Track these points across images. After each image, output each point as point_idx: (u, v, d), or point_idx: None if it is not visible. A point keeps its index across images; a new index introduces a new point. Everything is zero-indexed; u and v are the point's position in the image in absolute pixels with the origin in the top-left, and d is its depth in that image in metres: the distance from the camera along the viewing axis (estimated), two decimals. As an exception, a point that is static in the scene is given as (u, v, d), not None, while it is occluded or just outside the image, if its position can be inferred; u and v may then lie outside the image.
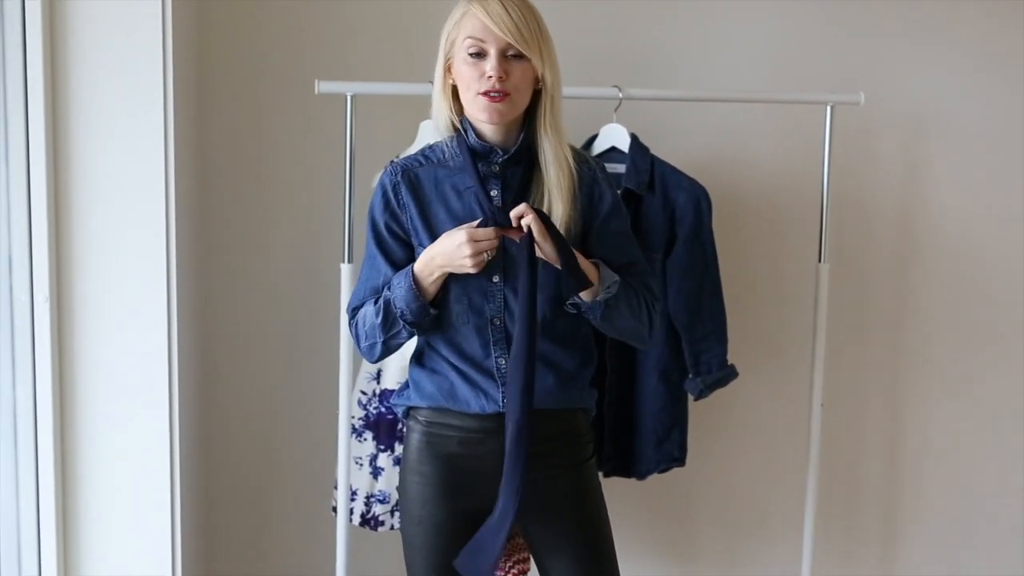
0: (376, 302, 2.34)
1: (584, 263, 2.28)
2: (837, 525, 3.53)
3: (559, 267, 2.24)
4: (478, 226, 2.25)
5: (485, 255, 2.23)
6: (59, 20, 2.61)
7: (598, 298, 2.29)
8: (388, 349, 2.38)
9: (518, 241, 2.24)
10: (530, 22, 2.23)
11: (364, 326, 2.37)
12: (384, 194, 2.37)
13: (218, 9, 3.18)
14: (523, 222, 2.22)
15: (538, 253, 2.24)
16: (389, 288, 2.32)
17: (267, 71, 3.23)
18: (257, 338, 3.32)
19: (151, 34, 2.65)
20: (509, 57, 2.23)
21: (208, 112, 3.20)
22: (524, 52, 2.22)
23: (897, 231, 3.47)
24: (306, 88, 2.81)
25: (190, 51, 3.01)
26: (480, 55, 2.22)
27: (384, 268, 2.37)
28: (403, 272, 2.31)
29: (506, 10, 2.21)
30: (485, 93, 2.23)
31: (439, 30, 2.31)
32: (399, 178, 2.36)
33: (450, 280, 2.31)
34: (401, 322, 2.30)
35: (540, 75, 2.26)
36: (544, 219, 2.24)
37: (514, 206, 2.25)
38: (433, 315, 2.31)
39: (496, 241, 2.24)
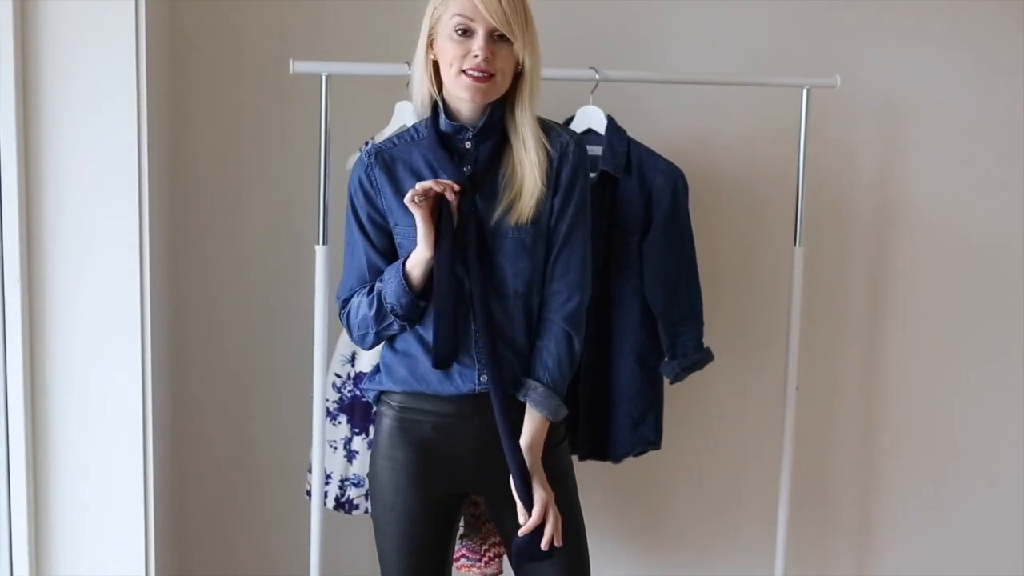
0: (369, 293, 2.34)
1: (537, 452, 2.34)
2: (811, 508, 3.54)
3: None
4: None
5: (416, 200, 2.22)
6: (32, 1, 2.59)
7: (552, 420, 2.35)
8: (380, 339, 2.39)
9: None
10: (517, 7, 2.23)
11: (356, 317, 2.37)
12: (359, 180, 2.37)
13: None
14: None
15: None
16: (381, 280, 2.33)
17: (242, 50, 3.20)
18: (231, 321, 3.30)
19: (123, 13, 2.63)
20: (496, 39, 2.22)
21: (181, 92, 3.17)
22: (509, 37, 2.21)
23: (873, 215, 3.47)
24: (281, 68, 2.78)
25: (163, 30, 2.98)
26: (467, 33, 2.21)
27: (365, 255, 2.36)
28: (395, 266, 2.31)
29: None
30: (468, 72, 2.21)
31: (414, 10, 2.31)
32: (372, 160, 2.35)
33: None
34: (392, 319, 2.31)
35: (520, 60, 2.26)
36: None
37: (490, 173, 2.30)
38: (424, 307, 2.31)
39: (438, 189, 2.22)
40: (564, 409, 2.34)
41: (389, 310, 2.29)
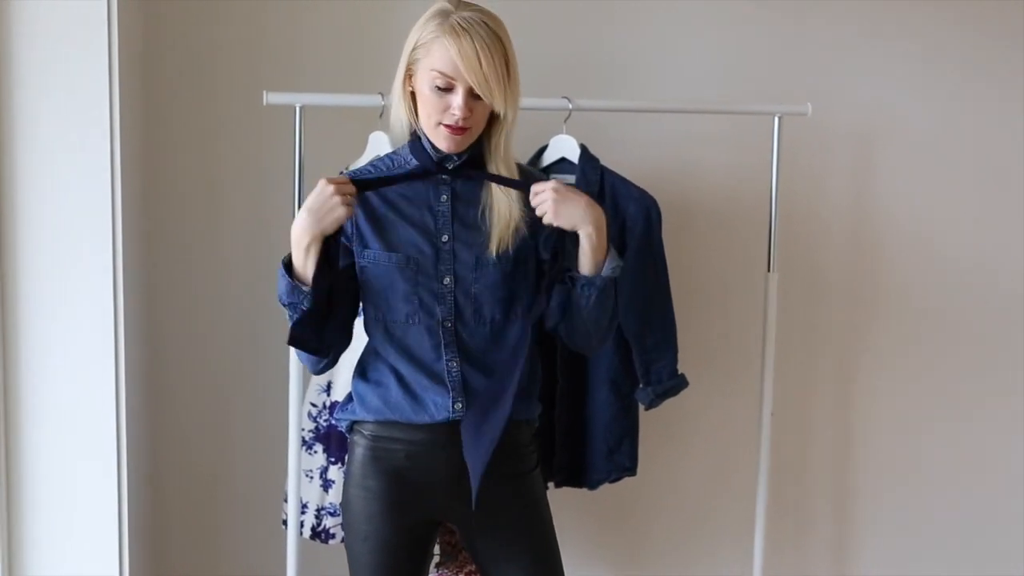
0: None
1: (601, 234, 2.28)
2: (788, 533, 3.55)
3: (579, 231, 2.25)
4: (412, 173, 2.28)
5: (350, 199, 2.21)
6: (4, 27, 2.60)
7: (604, 273, 2.27)
8: (302, 331, 2.27)
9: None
10: (499, 66, 2.18)
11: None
12: None
13: (166, 18, 3.17)
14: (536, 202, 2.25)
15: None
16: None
17: (216, 81, 3.22)
18: (206, 351, 3.30)
19: (97, 44, 2.64)
20: (474, 96, 2.21)
21: (156, 123, 3.18)
22: (487, 100, 2.20)
23: (846, 240, 3.49)
24: (255, 99, 2.79)
25: (137, 60, 3.00)
26: (447, 89, 2.20)
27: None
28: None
29: (477, 52, 2.16)
30: (447, 125, 2.22)
31: (388, 41, 2.32)
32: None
33: (400, 280, 2.30)
34: (288, 313, 2.26)
35: (500, 112, 2.24)
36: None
37: (469, 207, 2.30)
38: (309, 292, 2.23)
39: (351, 186, 2.22)
40: (619, 270, 2.29)
41: (277, 297, 2.26)
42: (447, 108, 2.20)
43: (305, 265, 2.22)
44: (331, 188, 2.18)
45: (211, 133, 3.24)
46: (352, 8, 3.23)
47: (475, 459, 2.27)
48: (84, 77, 2.64)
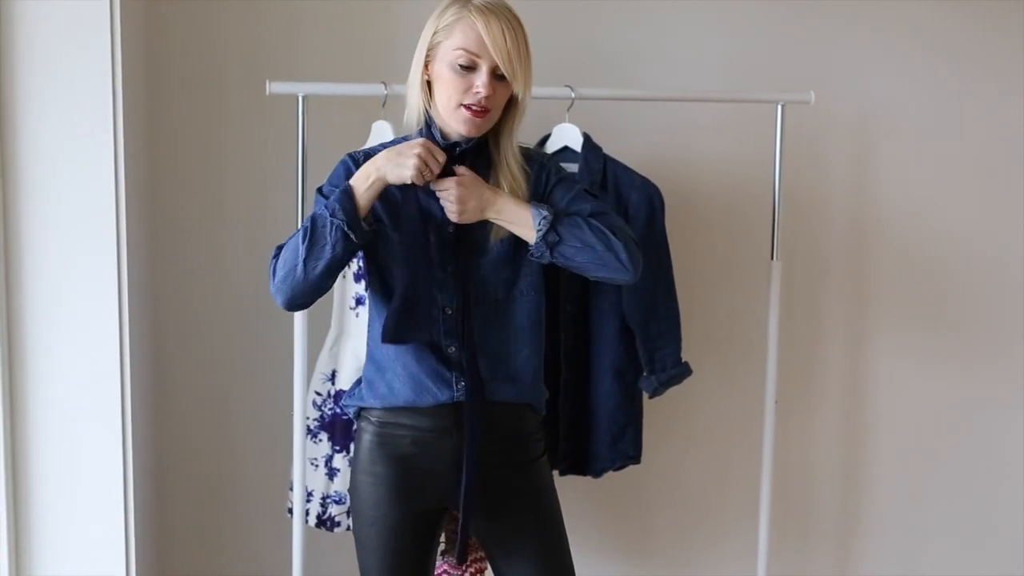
0: (303, 224, 2.27)
1: (513, 203, 2.29)
2: (792, 521, 3.56)
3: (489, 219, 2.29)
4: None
5: (427, 173, 2.24)
6: (5, 20, 2.59)
7: (537, 232, 2.27)
8: (306, 279, 2.24)
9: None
10: (521, 46, 2.23)
11: (285, 253, 2.27)
12: (347, 170, 2.34)
13: (169, 9, 3.17)
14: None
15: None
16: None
17: (220, 71, 3.22)
18: (211, 340, 3.31)
19: (99, 35, 2.64)
20: (497, 76, 2.23)
21: (159, 113, 3.18)
22: (509, 77, 2.22)
23: (850, 227, 3.49)
24: (258, 88, 2.80)
25: (140, 51, 2.99)
26: (470, 68, 2.22)
27: None
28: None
29: (503, 31, 2.20)
30: (469, 107, 2.23)
31: (391, 31, 2.32)
32: (361, 160, 2.34)
33: (400, 267, 2.30)
34: (331, 227, 2.20)
35: (517, 95, 2.27)
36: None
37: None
38: (364, 231, 2.24)
39: (440, 163, 2.25)
40: (545, 224, 2.27)
41: (330, 214, 2.20)
42: (470, 88, 2.22)
43: (364, 200, 2.24)
44: (418, 149, 2.22)
45: (215, 123, 3.24)
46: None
47: (472, 441, 2.30)
48: (86, 70, 2.64)
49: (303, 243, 2.22)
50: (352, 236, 2.22)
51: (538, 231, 2.27)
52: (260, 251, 3.22)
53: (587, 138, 2.95)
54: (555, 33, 3.28)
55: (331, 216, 2.21)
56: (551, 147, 2.98)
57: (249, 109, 3.20)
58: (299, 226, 2.80)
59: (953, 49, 3.46)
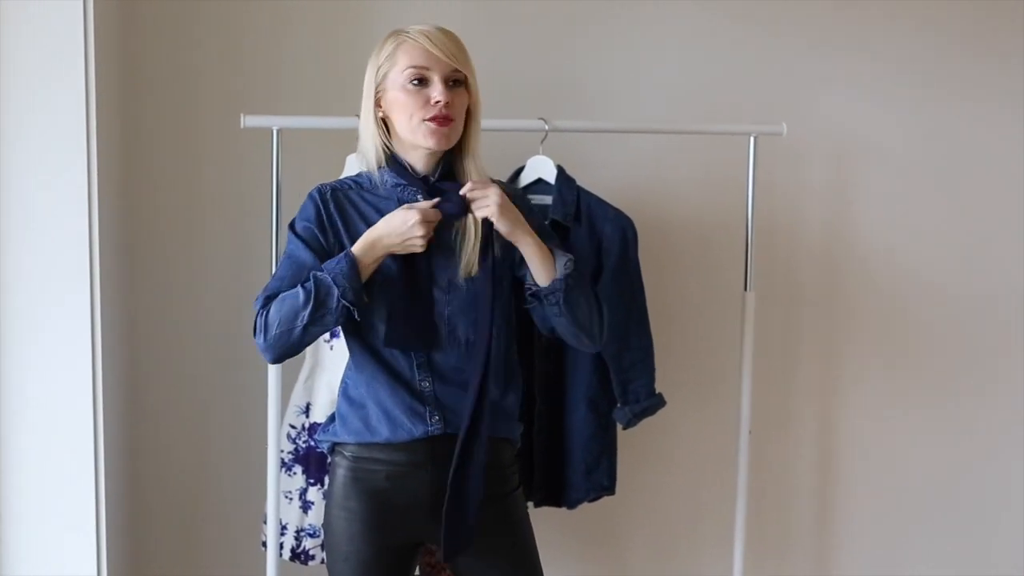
0: (303, 285, 2.24)
1: (537, 242, 2.29)
2: (768, 551, 3.56)
3: (517, 243, 2.28)
4: (433, 207, 2.25)
5: (430, 236, 2.24)
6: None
7: (558, 276, 2.28)
8: (302, 341, 2.27)
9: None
10: (462, 46, 2.28)
11: (281, 311, 2.25)
12: (315, 205, 2.34)
13: (145, 42, 3.18)
14: (477, 203, 2.26)
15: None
16: (320, 272, 2.25)
17: (194, 105, 3.23)
18: (185, 373, 3.30)
19: (74, 70, 2.65)
20: (451, 85, 2.25)
21: (135, 146, 3.19)
22: (464, 74, 2.25)
23: (824, 258, 3.52)
24: (233, 121, 2.80)
25: (116, 83, 3.00)
26: (423, 82, 2.24)
27: (307, 262, 2.30)
28: (337, 256, 2.26)
29: (446, 36, 2.26)
30: (433, 119, 2.24)
31: (365, 65, 2.32)
32: (328, 196, 2.34)
33: (378, 300, 2.29)
34: (336, 303, 2.21)
35: (473, 100, 2.30)
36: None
37: (445, 229, 2.28)
38: (366, 303, 2.26)
39: (436, 222, 2.25)
40: (571, 265, 2.29)
41: (339, 293, 2.20)
42: (427, 101, 2.23)
43: (367, 272, 2.25)
44: (419, 222, 2.21)
45: (190, 156, 3.25)
46: (328, 32, 3.25)
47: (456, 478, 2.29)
48: (62, 103, 2.65)
49: (305, 308, 2.22)
50: (353, 313, 2.25)
51: (564, 269, 2.28)
52: (236, 284, 3.24)
53: (561, 170, 2.96)
54: (529, 66, 3.30)
55: (340, 295, 2.21)
56: (525, 179, 2.99)
57: (225, 142, 3.20)
58: (274, 260, 2.81)
59: (926, 78, 3.50)
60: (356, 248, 2.25)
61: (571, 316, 2.31)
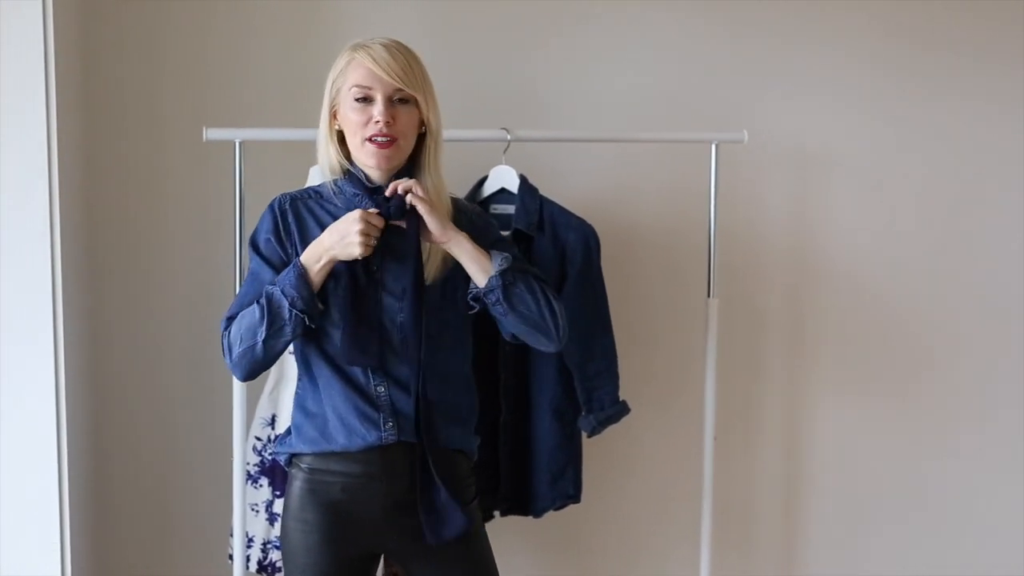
0: (258, 302, 2.29)
1: (473, 244, 2.32)
2: (733, 558, 3.57)
3: (448, 244, 2.30)
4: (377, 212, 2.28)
5: (372, 241, 2.25)
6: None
7: (493, 272, 2.30)
8: (266, 355, 2.32)
9: (405, 227, 2.29)
10: (415, 67, 2.29)
11: (241, 329, 2.31)
12: (273, 217, 2.38)
13: (106, 54, 3.18)
14: (408, 197, 2.27)
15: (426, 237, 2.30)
16: (271, 285, 2.30)
17: (157, 116, 3.23)
18: (150, 386, 3.30)
19: (34, 81, 2.65)
20: (395, 103, 2.27)
21: (97, 159, 3.18)
22: (411, 93, 2.27)
23: (786, 264, 3.53)
24: (195, 134, 2.80)
25: (77, 96, 3.00)
26: (367, 100, 2.26)
27: (268, 280, 2.33)
28: (287, 268, 2.30)
29: (391, 55, 2.26)
30: (372, 139, 2.26)
31: (327, 76, 2.33)
32: (287, 206, 2.39)
33: (332, 307, 2.32)
34: (288, 314, 2.25)
35: (425, 118, 2.31)
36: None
37: (397, 236, 2.31)
38: (321, 310, 2.29)
39: (380, 227, 2.26)
40: (507, 262, 2.30)
41: (288, 303, 2.24)
42: (369, 120, 2.26)
43: (317, 280, 2.28)
44: (361, 225, 2.23)
45: (153, 168, 3.24)
46: (292, 44, 3.25)
47: (431, 500, 2.32)
48: (23, 117, 2.66)
49: (262, 324, 2.27)
50: (309, 322, 2.28)
51: (498, 268, 2.29)
52: (200, 296, 3.24)
53: (524, 180, 2.97)
54: (490, 76, 3.31)
55: (290, 305, 2.25)
56: (488, 189, 3.00)
57: (188, 154, 3.20)
58: (238, 271, 2.81)
59: (888, 83, 3.52)
60: (304, 257, 2.29)
61: (516, 314, 2.32)
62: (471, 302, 2.35)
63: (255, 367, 2.34)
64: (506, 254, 2.32)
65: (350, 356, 2.30)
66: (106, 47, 3.18)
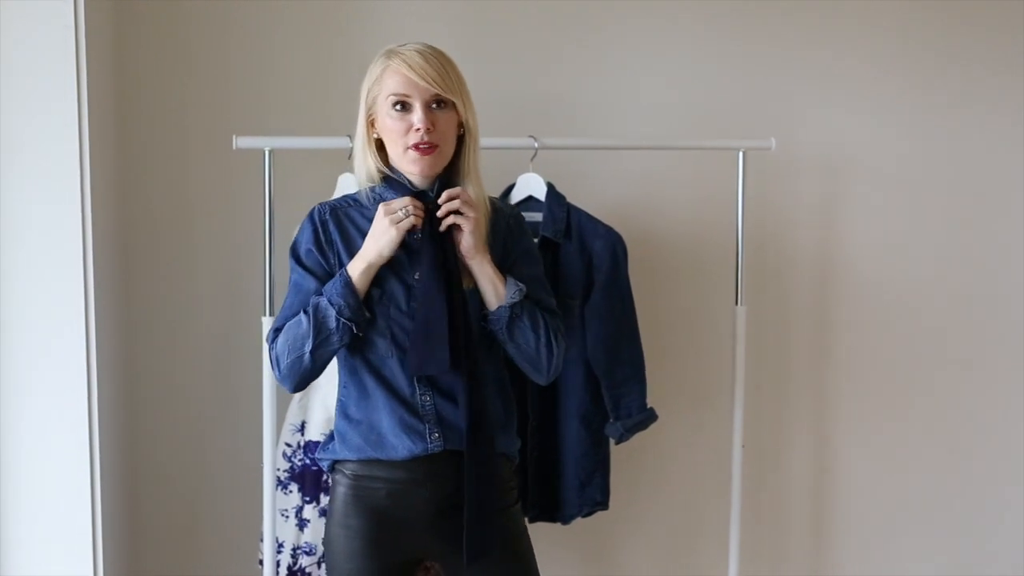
0: (304, 311, 2.31)
1: (494, 268, 2.33)
2: (762, 565, 3.57)
3: (471, 265, 2.31)
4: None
5: (407, 221, 2.26)
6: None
7: (504, 303, 2.32)
8: (314, 365, 2.33)
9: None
10: (450, 70, 2.28)
11: (288, 340, 2.32)
12: (313, 228, 2.38)
13: (138, 64, 3.20)
14: (453, 216, 2.28)
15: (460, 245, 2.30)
16: (318, 295, 2.31)
17: (187, 125, 3.25)
18: (180, 392, 3.31)
19: (67, 90, 2.67)
20: (434, 108, 2.26)
21: (128, 168, 3.21)
22: (449, 98, 2.26)
23: (814, 271, 3.53)
24: (226, 143, 2.82)
25: (109, 105, 3.03)
26: (405, 108, 2.26)
27: (312, 290, 2.34)
28: (334, 277, 2.31)
29: (426, 61, 2.25)
30: (415, 147, 2.26)
31: (356, 84, 2.34)
32: (328, 216, 2.38)
33: (376, 315, 2.32)
34: (336, 323, 2.27)
35: (464, 120, 2.31)
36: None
37: (432, 247, 2.31)
38: (368, 318, 2.30)
39: (412, 205, 2.27)
40: (519, 295, 2.32)
41: (336, 312, 2.26)
42: (410, 127, 2.26)
43: (361, 288, 2.29)
44: (385, 216, 2.26)
45: (183, 176, 3.27)
46: (320, 52, 3.27)
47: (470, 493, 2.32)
48: (55, 126, 2.67)
49: (309, 334, 2.29)
50: (356, 330, 2.30)
51: (510, 299, 2.32)
52: (230, 304, 3.26)
53: (551, 187, 2.98)
54: (518, 84, 3.32)
55: (337, 314, 2.27)
56: (516, 196, 3.01)
57: (218, 163, 3.22)
58: (268, 279, 2.84)
59: (916, 91, 3.51)
60: (350, 266, 2.29)
61: (513, 344, 2.36)
62: (482, 320, 2.38)
63: (304, 377, 2.35)
64: (521, 285, 2.34)
65: (421, 364, 2.30)
66: (137, 56, 3.20)
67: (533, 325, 2.35)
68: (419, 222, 2.29)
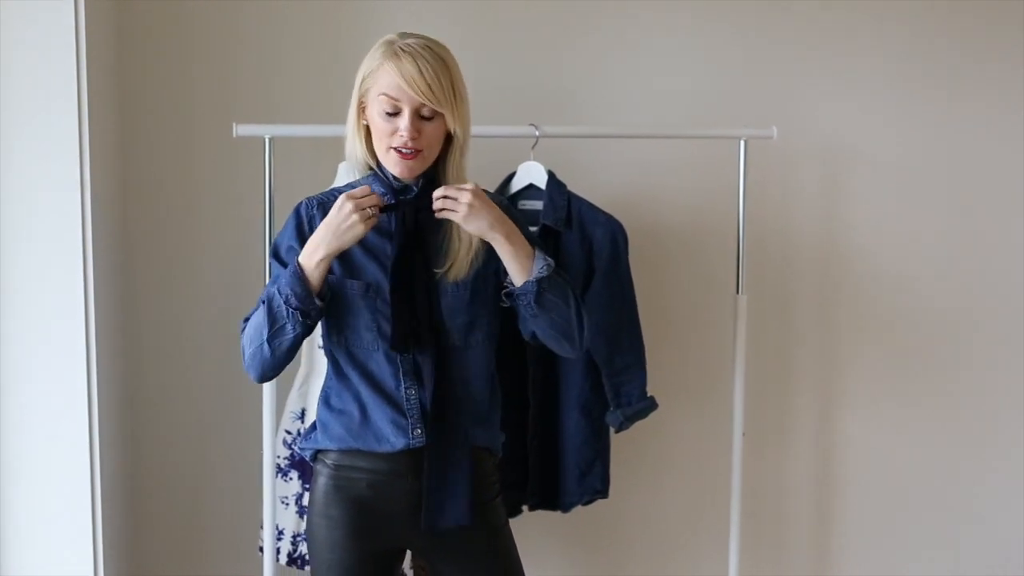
0: (261, 302, 2.29)
1: (517, 244, 2.29)
2: (763, 554, 3.57)
3: (492, 242, 2.27)
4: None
5: (369, 212, 2.23)
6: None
7: (531, 277, 2.28)
8: (273, 356, 2.29)
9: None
10: (443, 80, 2.23)
11: (249, 332, 2.31)
12: (298, 223, 2.37)
13: (138, 52, 3.20)
14: (447, 209, 2.26)
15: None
16: (272, 284, 2.30)
17: (188, 113, 3.25)
18: (181, 379, 3.32)
19: (67, 77, 2.67)
20: (422, 117, 2.25)
21: (128, 156, 3.21)
22: (437, 110, 2.24)
23: (815, 260, 3.53)
24: (226, 130, 2.82)
25: (109, 93, 3.03)
26: (394, 113, 2.25)
27: None
28: (288, 268, 2.29)
29: (419, 70, 2.21)
30: (397, 150, 2.25)
31: (356, 73, 2.34)
32: (315, 211, 2.36)
33: (362, 307, 2.32)
34: (287, 311, 2.24)
35: (451, 130, 2.29)
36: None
37: (417, 240, 2.31)
38: (320, 307, 2.26)
39: (375, 198, 2.25)
40: (548, 270, 2.28)
41: (284, 300, 2.23)
42: (395, 131, 2.24)
43: (315, 278, 2.25)
44: (350, 205, 2.21)
45: (184, 164, 3.27)
46: (322, 41, 3.27)
47: (440, 489, 2.31)
48: (55, 114, 2.68)
49: (265, 325, 2.27)
50: (308, 320, 2.26)
51: (539, 272, 2.28)
52: (230, 292, 3.26)
53: (551, 175, 2.98)
54: (519, 73, 3.32)
55: (284, 303, 2.24)
56: (516, 185, 3.01)
57: (218, 150, 3.23)
58: (267, 267, 2.82)
59: (917, 79, 3.51)
60: (304, 255, 2.26)
61: (546, 318, 2.31)
62: (503, 296, 2.34)
63: (267, 367, 2.33)
64: (549, 261, 2.30)
65: (396, 341, 2.30)
66: (137, 44, 3.20)
67: (563, 296, 2.31)
68: (377, 215, 2.26)
